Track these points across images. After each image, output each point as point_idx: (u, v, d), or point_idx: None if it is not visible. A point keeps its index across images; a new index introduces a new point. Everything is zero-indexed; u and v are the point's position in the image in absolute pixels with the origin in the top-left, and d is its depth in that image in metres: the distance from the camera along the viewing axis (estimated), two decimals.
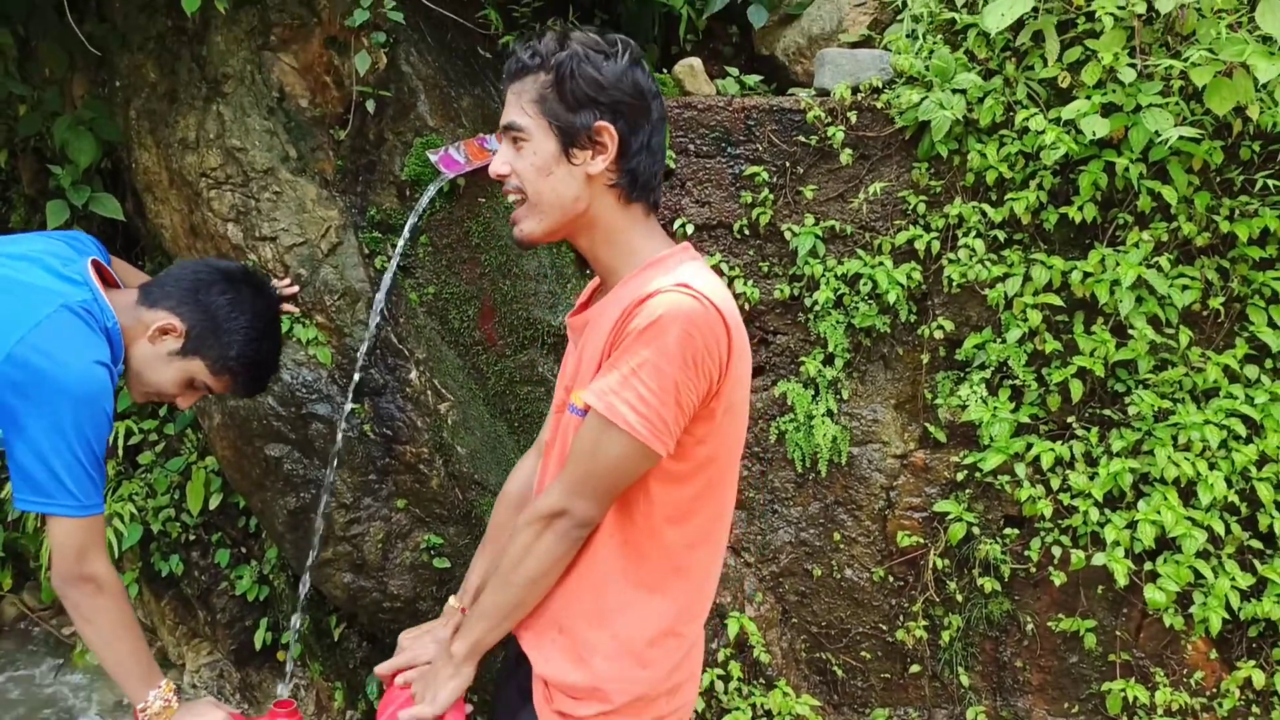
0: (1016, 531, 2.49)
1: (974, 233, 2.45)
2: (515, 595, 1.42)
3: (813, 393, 2.57)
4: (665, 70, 2.92)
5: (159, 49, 2.67)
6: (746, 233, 2.58)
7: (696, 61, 2.84)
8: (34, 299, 1.81)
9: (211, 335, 1.93)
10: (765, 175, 2.54)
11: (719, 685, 2.48)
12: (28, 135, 3.03)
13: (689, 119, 2.61)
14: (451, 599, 1.69)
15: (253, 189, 2.54)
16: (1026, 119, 2.36)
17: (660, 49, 3.27)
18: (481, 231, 2.58)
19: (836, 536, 2.58)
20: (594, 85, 1.37)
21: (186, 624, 3.16)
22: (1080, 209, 2.37)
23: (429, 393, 2.53)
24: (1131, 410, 2.40)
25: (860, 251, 2.53)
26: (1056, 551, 2.43)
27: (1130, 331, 2.38)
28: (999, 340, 2.46)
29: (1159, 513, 2.32)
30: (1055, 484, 2.41)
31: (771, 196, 2.55)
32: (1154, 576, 2.38)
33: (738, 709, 2.47)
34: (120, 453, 3.03)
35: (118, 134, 2.78)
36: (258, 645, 2.96)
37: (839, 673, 2.61)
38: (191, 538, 3.00)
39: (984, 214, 2.45)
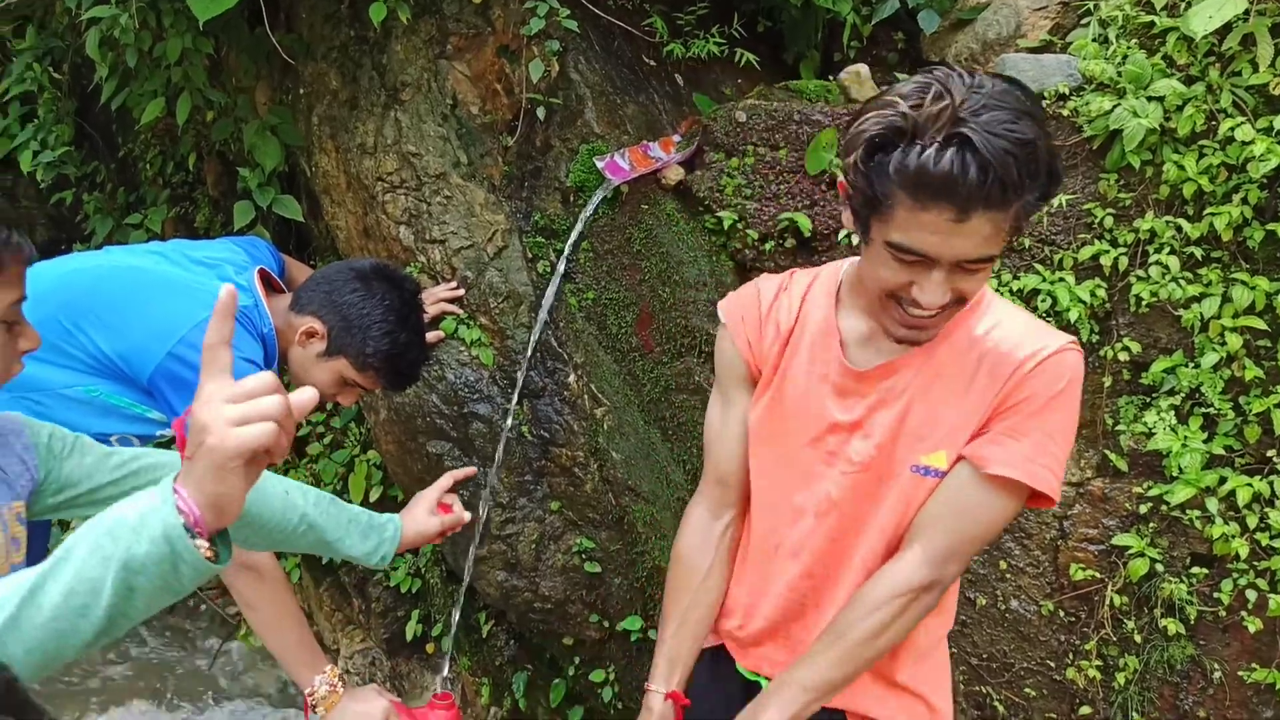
0: (1205, 571, 2.31)
1: (1167, 249, 2.29)
2: (858, 669, 1.37)
3: None
4: (830, 77, 2.87)
5: (341, 58, 2.79)
6: None
7: (863, 68, 2.77)
8: (199, 301, 1.91)
9: (348, 333, 1.99)
10: None
11: None
12: (216, 140, 3.22)
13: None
14: (652, 685, 1.54)
15: (425, 193, 2.62)
16: (1232, 129, 2.19)
17: (822, 56, 3.21)
18: (643, 238, 2.58)
19: (1003, 565, 2.45)
20: None
21: (342, 611, 3.28)
22: None
23: (586, 397, 2.54)
24: None
25: (1039, 266, 2.40)
26: (1251, 595, 2.24)
27: None
28: (1192, 365, 2.29)
29: None
30: (1252, 522, 2.23)
31: None
32: None
33: None
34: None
35: (300, 139, 2.92)
36: (409, 636, 3.04)
37: (999, 708, 2.48)
38: None
39: (1179, 229, 2.29)
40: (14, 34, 3.14)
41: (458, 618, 2.66)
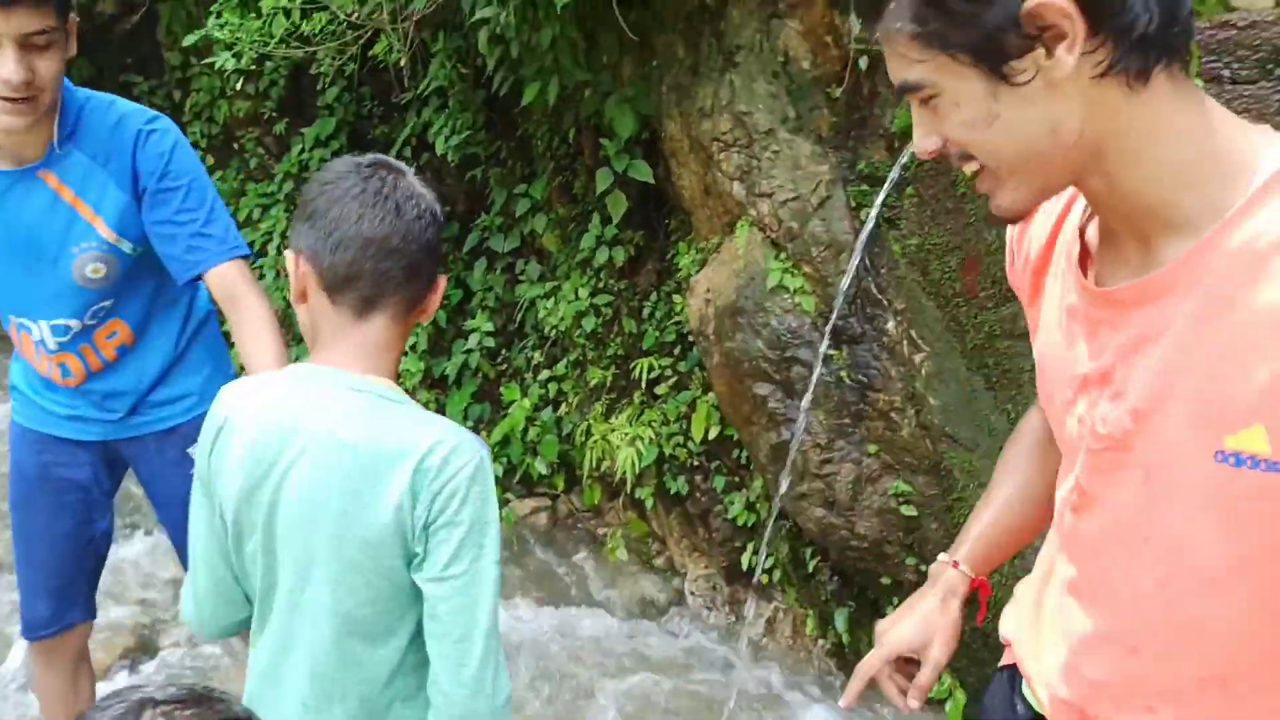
0: None
1: None
2: None
3: None
4: None
5: (686, 28, 3.03)
6: None
7: None
8: None
9: None
10: None
11: None
12: (585, 115, 3.63)
13: (1224, 40, 2.26)
14: (941, 555, 1.34)
15: (755, 149, 2.78)
16: None
17: None
18: (968, 180, 2.52)
19: None
20: None
21: (689, 538, 3.61)
22: None
23: (905, 343, 2.56)
24: None
25: None
26: None
27: None
28: None
29: None
30: None
31: None
32: None
33: None
34: (644, 385, 3.53)
35: (653, 108, 3.21)
36: (744, 566, 3.27)
37: None
38: (695, 463, 3.41)
39: None
40: (431, 39, 3.79)
41: (767, 549, 2.83)
